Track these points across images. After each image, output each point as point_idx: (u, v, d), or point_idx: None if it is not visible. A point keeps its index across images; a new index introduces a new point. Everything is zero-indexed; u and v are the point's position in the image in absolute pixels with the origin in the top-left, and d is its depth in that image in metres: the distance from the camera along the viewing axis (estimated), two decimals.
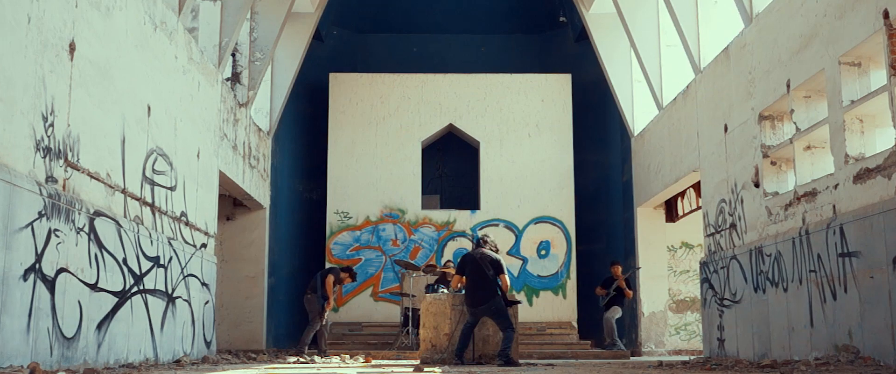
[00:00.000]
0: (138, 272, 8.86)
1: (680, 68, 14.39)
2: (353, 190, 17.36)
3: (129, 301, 8.57)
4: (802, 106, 9.46)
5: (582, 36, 18.07)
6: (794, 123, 9.44)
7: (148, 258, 9.16)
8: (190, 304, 10.83)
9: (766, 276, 9.91)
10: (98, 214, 7.80)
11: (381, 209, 17.38)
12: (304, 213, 18.03)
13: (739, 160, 10.99)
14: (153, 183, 9.54)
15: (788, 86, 9.46)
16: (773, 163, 10.24)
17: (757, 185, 10.38)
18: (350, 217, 17.31)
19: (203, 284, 11.47)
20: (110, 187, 8.24)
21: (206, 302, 11.68)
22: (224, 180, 13.32)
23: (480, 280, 9.85)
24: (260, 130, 15.63)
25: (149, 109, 9.35)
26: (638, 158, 16.33)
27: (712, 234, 12.04)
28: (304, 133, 18.28)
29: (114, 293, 8.19)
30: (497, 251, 10.32)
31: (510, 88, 17.81)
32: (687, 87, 13.28)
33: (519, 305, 10.91)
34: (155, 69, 9.58)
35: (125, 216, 8.61)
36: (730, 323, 11.23)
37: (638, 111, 16.58)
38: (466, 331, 9.93)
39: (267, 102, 16.41)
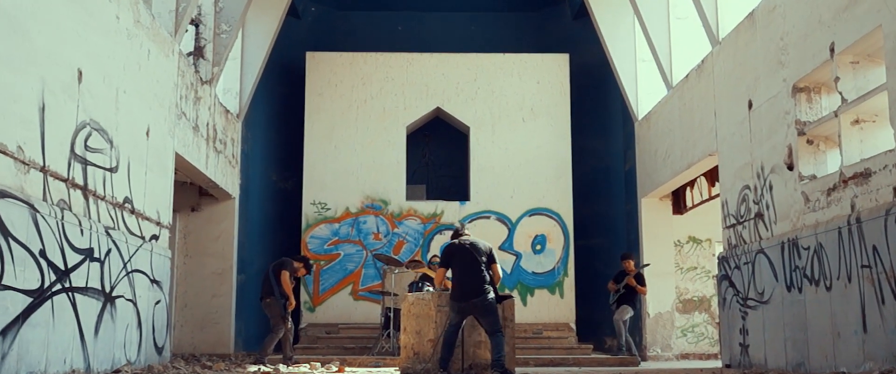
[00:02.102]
0: (63, 267, 7.39)
1: (692, 43, 13.06)
2: (332, 179, 15.92)
3: (48, 302, 7.10)
4: (849, 73, 8.07)
5: (581, 12, 16.68)
6: (840, 93, 8.05)
7: (77, 251, 7.69)
8: (135, 304, 9.36)
9: (804, 272, 8.52)
10: (3, 194, 6.33)
11: (361, 200, 15.94)
12: (277, 204, 16.57)
13: (768, 140, 9.60)
14: (86, 162, 8.07)
15: (832, 50, 8.07)
16: (809, 142, 8.86)
17: (790, 167, 8.99)
18: (328, 209, 15.86)
19: (153, 281, 10.00)
20: (22, 162, 6.77)
21: (158, 302, 10.21)
22: (183, 165, 11.86)
23: (473, 271, 8.42)
24: (228, 112, 14.17)
25: (80, 74, 7.88)
26: (642, 144, 14.94)
27: (733, 225, 10.65)
28: (278, 117, 16.81)
29: (26, 293, 6.71)
30: None
31: (503, 69, 16.40)
32: (702, 61, 11.90)
33: (512, 301, 9.55)
34: (89, 28, 8.11)
35: (45, 200, 7.14)
36: (755, 327, 9.84)
37: (642, 93, 15.22)
38: (451, 335, 8.44)
39: (236, 82, 14.96)
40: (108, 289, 8.48)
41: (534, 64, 16.43)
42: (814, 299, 8.31)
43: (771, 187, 9.49)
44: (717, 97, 11.25)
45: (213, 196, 14.41)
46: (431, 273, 9.65)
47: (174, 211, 14.29)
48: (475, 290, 8.35)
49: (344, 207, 15.90)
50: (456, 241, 8.66)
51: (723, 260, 10.97)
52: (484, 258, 8.51)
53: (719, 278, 11.14)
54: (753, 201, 9.99)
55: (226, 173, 13.96)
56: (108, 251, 8.50)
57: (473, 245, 8.54)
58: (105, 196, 8.55)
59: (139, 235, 9.59)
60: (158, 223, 10.39)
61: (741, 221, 10.37)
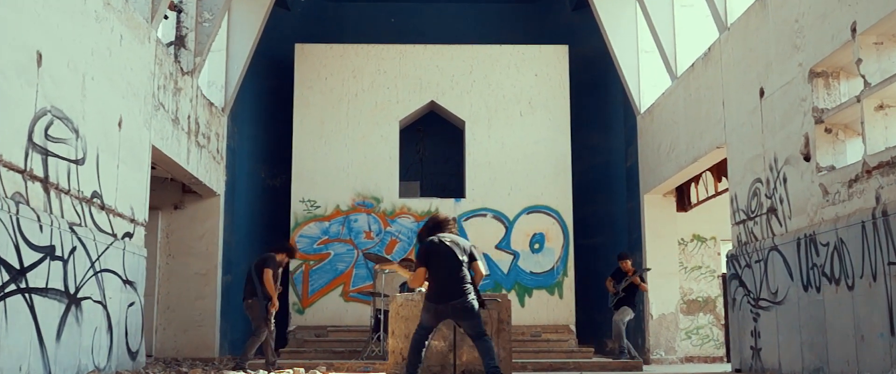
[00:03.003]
0: (18, 266, 6.77)
1: (697, 31, 12.44)
2: (322, 176, 15.29)
3: (0, 304, 6.47)
4: (872, 54, 7.47)
5: (581, 2, 16.06)
6: (862, 76, 7.44)
7: (35, 249, 7.06)
8: (105, 306, 8.73)
9: (822, 270, 7.91)
10: None
11: (352, 197, 15.32)
12: (265, 201, 15.94)
13: (781, 130, 8.99)
14: (47, 153, 7.45)
15: (853, 30, 7.46)
16: (828, 130, 8.25)
17: (807, 158, 8.38)
18: (318, 206, 15.24)
19: (126, 282, 9.37)
20: None
21: (131, 304, 9.58)
22: (161, 159, 11.25)
23: (454, 270, 7.57)
24: (212, 105, 13.54)
25: (39, 56, 7.26)
26: (645, 139, 14.33)
27: (743, 221, 10.04)
28: (265, 111, 16.19)
29: None
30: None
31: (499, 61, 15.78)
32: (708, 49, 11.29)
33: (508, 302, 8.89)
34: (50, 8, 7.49)
35: None
36: (768, 329, 9.22)
37: (645, 85, 14.61)
38: (420, 339, 7.59)
39: (222, 75, 14.33)
40: (72, 290, 7.86)
41: (532, 56, 15.81)
42: (834, 299, 7.70)
43: (785, 180, 8.88)
44: (726, 86, 10.64)
45: (197, 193, 13.80)
46: (405, 274, 8.80)
47: (156, 209, 13.81)
48: (455, 291, 7.53)
49: (334, 204, 15.29)
50: (435, 239, 7.83)
51: (732, 258, 10.35)
52: (465, 258, 7.70)
53: (728, 278, 10.52)
54: (766, 195, 9.38)
55: (210, 169, 13.34)
56: (73, 249, 7.87)
57: (454, 243, 7.73)
58: (70, 190, 7.93)
59: (110, 232, 8.96)
60: (133, 220, 9.76)
61: (752, 216, 9.76)
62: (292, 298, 14.96)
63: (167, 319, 13.66)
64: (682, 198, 14.33)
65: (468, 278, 7.65)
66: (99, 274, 8.55)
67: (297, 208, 15.21)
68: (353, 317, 14.73)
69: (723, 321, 14.77)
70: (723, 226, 14.72)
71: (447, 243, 7.71)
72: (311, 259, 15.10)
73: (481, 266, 7.79)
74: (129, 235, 9.59)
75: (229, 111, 14.38)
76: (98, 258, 8.51)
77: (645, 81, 14.63)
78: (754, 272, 9.59)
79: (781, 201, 8.96)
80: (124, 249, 9.30)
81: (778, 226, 9.04)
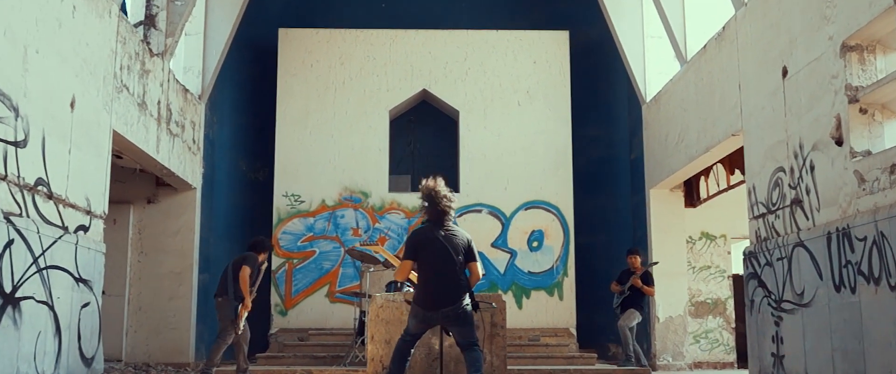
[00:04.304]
0: None
1: (709, 11, 11.56)
2: (306, 169, 14.38)
3: None
4: None
5: None
6: None
7: None
8: (51, 307, 7.79)
9: (858, 268, 6.99)
10: None
11: (339, 192, 14.39)
12: (246, 195, 14.99)
13: (808, 112, 8.07)
14: None
15: None
16: (863, 110, 7.34)
17: (839, 142, 7.46)
18: (302, 201, 14.31)
19: (79, 280, 8.43)
20: None
21: (86, 305, 8.63)
22: (126, 147, 10.33)
23: (446, 270, 6.60)
24: (187, 91, 12.61)
25: None
26: (651, 130, 13.41)
27: (763, 215, 9.11)
28: (247, 100, 15.25)
29: None
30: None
31: (496, 48, 14.87)
32: (723, 28, 10.37)
33: (502, 304, 7.94)
34: None
35: None
36: (793, 334, 8.29)
37: (651, 72, 13.73)
38: (406, 347, 6.66)
39: (199, 60, 13.40)
40: (8, 289, 6.92)
41: (530, 42, 14.90)
42: (872, 300, 6.77)
43: (812, 168, 7.96)
44: (743, 67, 9.71)
45: (172, 187, 12.88)
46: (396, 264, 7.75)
47: (127, 203, 12.91)
48: (448, 296, 6.53)
49: (320, 199, 14.37)
50: (428, 229, 6.80)
51: (750, 256, 9.43)
52: (460, 256, 6.68)
53: (746, 278, 9.59)
54: (789, 186, 8.45)
55: (184, 160, 12.41)
56: (10, 242, 6.93)
57: (449, 237, 6.69)
58: (7, 175, 6.99)
59: (59, 224, 8.02)
60: (89, 212, 8.82)
61: (773, 209, 8.83)
62: (275, 299, 14.04)
63: (138, 321, 12.75)
64: (691, 192, 13.42)
65: (463, 280, 6.69)
66: (44, 271, 7.61)
67: (279, 203, 14.29)
68: (339, 319, 13.81)
69: (733, 325, 13.88)
70: (733, 223, 13.90)
71: (442, 237, 6.69)
72: (295, 257, 14.18)
73: (479, 268, 6.81)
74: (83, 228, 8.65)
75: (207, 99, 13.46)
76: (43, 254, 7.57)
77: (651, 68, 13.75)
78: (776, 271, 8.66)
79: (808, 192, 8.03)
80: (77, 243, 8.36)
81: (804, 219, 8.11)
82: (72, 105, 8.32)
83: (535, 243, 14.37)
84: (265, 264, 10.06)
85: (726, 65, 10.22)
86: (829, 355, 7.50)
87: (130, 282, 12.77)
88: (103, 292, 12.42)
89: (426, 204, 6.90)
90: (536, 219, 14.43)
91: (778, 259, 8.61)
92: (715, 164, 12.02)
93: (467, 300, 6.58)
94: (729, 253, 14.18)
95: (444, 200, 6.88)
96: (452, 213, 6.92)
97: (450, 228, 6.80)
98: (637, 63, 13.73)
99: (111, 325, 12.46)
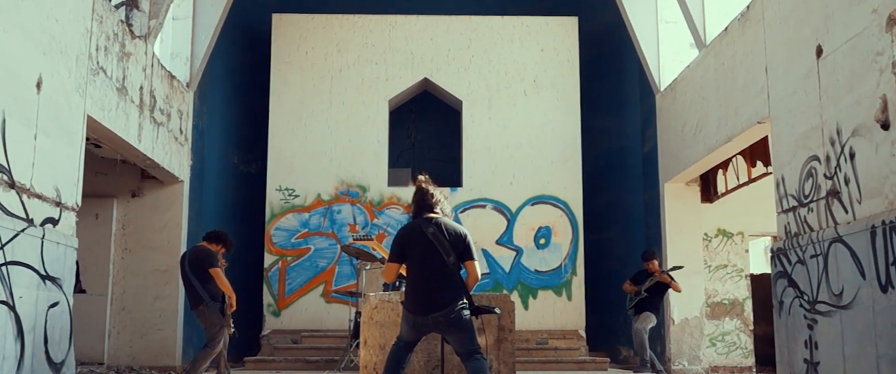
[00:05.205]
0: None
1: None
2: (301, 161, 13.68)
3: None
4: None
5: None
6: None
7: None
8: (12, 308, 7.05)
9: None
10: None
11: (336, 186, 13.68)
12: (237, 189, 14.29)
13: (847, 94, 7.30)
14: None
15: None
16: None
17: (885, 126, 6.69)
18: (296, 196, 13.60)
19: (46, 278, 7.69)
20: None
21: (54, 305, 7.89)
22: (104, 135, 9.60)
23: (436, 271, 5.81)
24: (173, 78, 11.89)
25: None
26: (666, 120, 12.67)
27: (794, 208, 8.35)
28: (238, 89, 14.55)
29: None
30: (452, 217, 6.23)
31: (501, 35, 14.18)
32: (747, 7, 9.62)
33: (511, 306, 7.15)
34: None
35: None
36: (829, 339, 7.53)
37: (665, 60, 13.00)
38: (398, 357, 5.90)
39: (187, 46, 12.68)
40: None
41: (537, 28, 14.20)
42: None
43: (852, 155, 7.20)
44: (770, 49, 8.96)
45: (158, 179, 12.16)
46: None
47: (111, 197, 12.21)
48: (437, 300, 5.74)
49: (315, 194, 13.65)
50: (415, 224, 5.99)
51: (778, 253, 8.67)
52: (451, 256, 5.86)
53: (773, 277, 8.83)
54: (825, 176, 7.69)
55: (170, 151, 11.68)
56: None
57: (440, 231, 5.89)
58: None
59: (22, 216, 7.28)
60: (59, 204, 8.08)
61: (806, 202, 8.07)
62: (267, 298, 13.33)
63: (122, 321, 12.03)
64: (708, 187, 12.69)
65: (457, 281, 5.90)
66: (3, 268, 6.87)
67: (273, 198, 13.59)
68: (335, 320, 13.09)
69: (751, 327, 13.15)
70: (751, 219, 13.19)
71: (429, 233, 5.90)
72: (289, 255, 13.46)
73: (477, 267, 6.00)
74: (52, 221, 7.91)
75: (196, 87, 12.74)
76: (2, 248, 6.83)
77: (665, 55, 13.03)
78: (809, 270, 7.90)
79: (847, 182, 7.27)
80: (43, 237, 7.62)
81: (842, 212, 7.35)
82: (38, 86, 7.59)
83: (542, 241, 13.65)
84: (221, 253, 9.41)
85: (751, 47, 9.47)
86: (873, 362, 6.74)
87: (113, 280, 12.07)
88: (83, 291, 11.84)
89: (412, 201, 6.18)
90: (543, 215, 13.71)
91: (812, 256, 7.85)
92: (734, 156, 11.28)
93: (462, 304, 5.82)
94: (746, 251, 13.45)
95: (429, 194, 6.11)
96: (440, 208, 6.10)
97: (441, 223, 5.99)
98: (650, 50, 13.00)
99: (92, 326, 11.80)
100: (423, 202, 6.07)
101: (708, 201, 12.80)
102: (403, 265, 6.08)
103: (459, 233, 6.01)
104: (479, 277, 6.05)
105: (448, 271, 5.78)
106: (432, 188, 6.15)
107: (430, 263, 5.77)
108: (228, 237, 9.52)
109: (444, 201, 6.12)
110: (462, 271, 5.90)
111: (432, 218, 5.98)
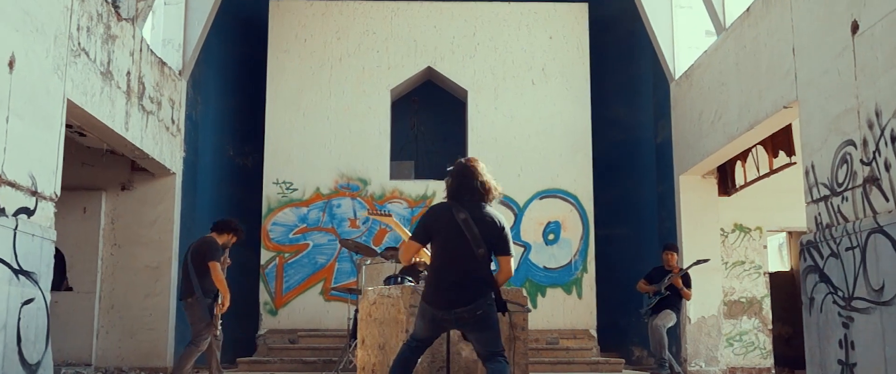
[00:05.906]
0: None
1: None
2: (299, 154, 13.12)
3: None
4: None
5: None
6: None
7: None
8: None
9: None
10: None
11: (335, 179, 13.12)
12: (233, 183, 13.74)
13: (886, 73, 6.72)
14: None
15: None
16: None
17: None
18: (294, 189, 13.04)
19: (20, 272, 7.13)
20: None
21: (28, 301, 7.32)
22: (86, 121, 9.05)
23: (464, 261, 5.13)
24: (164, 65, 11.33)
25: None
26: (681, 109, 12.09)
27: (825, 198, 7.76)
28: (234, 78, 14.01)
29: None
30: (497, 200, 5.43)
31: (508, 21, 13.62)
32: None
33: (526, 312, 6.53)
34: None
35: None
36: (867, 339, 6.93)
37: (680, 47, 12.43)
38: (410, 356, 5.24)
39: (180, 32, 12.12)
40: None
41: (545, 14, 13.64)
42: None
43: (893, 139, 6.61)
44: (798, 27, 8.37)
45: (149, 172, 11.62)
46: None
47: (99, 190, 11.67)
48: (464, 294, 5.09)
49: (314, 187, 13.09)
50: (447, 205, 5.27)
51: (808, 246, 8.07)
52: (482, 248, 5.16)
53: (803, 271, 8.24)
54: (862, 161, 7.09)
55: (161, 142, 11.12)
56: None
57: (472, 219, 5.17)
58: None
59: None
60: (35, 193, 7.51)
61: (840, 190, 7.48)
62: (264, 296, 12.77)
63: (111, 320, 11.49)
64: (725, 179, 12.11)
65: (485, 275, 5.23)
66: None
67: (270, 192, 13.03)
68: (335, 319, 12.52)
69: (770, 326, 12.58)
70: (769, 214, 12.63)
71: (459, 219, 5.17)
72: (286, 251, 12.90)
73: (512, 264, 5.36)
74: (26, 211, 7.35)
75: (189, 76, 12.19)
76: None
77: (680, 42, 12.46)
78: (844, 263, 7.31)
79: (888, 167, 6.68)
80: (16, 229, 7.05)
81: (882, 201, 6.76)
82: (10, 65, 7.02)
83: (551, 236, 13.08)
84: (230, 244, 8.83)
85: (777, 27, 8.88)
86: None
87: (102, 277, 11.54)
88: (70, 289, 11.33)
89: (451, 178, 5.44)
90: (552, 209, 13.14)
91: (847, 249, 7.26)
92: (754, 146, 10.71)
93: (490, 300, 5.18)
94: (765, 247, 12.89)
95: (476, 172, 5.40)
96: (489, 194, 5.41)
97: (477, 208, 5.30)
98: (664, 36, 12.42)
99: (80, 326, 11.28)
100: (464, 182, 5.32)
101: (725, 194, 12.23)
102: (423, 248, 5.38)
103: (496, 223, 5.30)
104: (512, 274, 5.41)
105: (478, 264, 5.15)
106: (482, 168, 5.44)
107: (457, 252, 5.12)
108: (238, 226, 8.95)
109: (496, 189, 5.41)
110: (493, 265, 5.26)
111: (468, 202, 5.28)
